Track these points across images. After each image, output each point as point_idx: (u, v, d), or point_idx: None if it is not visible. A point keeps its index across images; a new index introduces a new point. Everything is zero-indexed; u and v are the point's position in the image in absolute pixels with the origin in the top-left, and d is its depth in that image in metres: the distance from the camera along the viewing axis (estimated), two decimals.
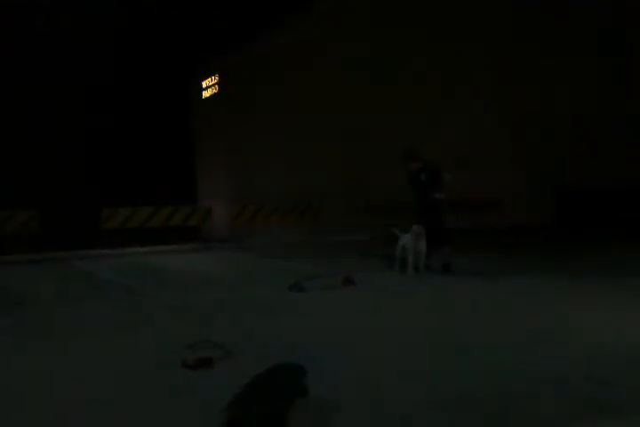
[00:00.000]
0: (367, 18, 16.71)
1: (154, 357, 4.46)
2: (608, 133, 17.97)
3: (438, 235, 8.25)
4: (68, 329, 5.52)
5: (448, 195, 8.26)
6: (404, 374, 3.87)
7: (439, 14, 16.88)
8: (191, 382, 3.83)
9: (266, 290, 7.20)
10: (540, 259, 10.02)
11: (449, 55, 17.23)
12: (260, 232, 14.93)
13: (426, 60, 16.86)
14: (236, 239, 14.32)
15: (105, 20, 17.65)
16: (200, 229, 15.91)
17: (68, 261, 11.43)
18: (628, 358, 4.11)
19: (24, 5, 16.59)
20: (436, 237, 8.22)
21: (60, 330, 5.49)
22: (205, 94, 21.30)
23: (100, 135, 17.49)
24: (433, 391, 3.50)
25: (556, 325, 5.11)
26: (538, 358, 4.16)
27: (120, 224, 13.50)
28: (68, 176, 16.57)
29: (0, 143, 16.09)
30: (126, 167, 17.61)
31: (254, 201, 15.22)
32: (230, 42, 18.04)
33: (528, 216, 17.16)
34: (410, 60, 16.78)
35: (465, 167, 16.28)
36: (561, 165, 18.12)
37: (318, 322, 5.55)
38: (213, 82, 20.77)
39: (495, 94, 17.66)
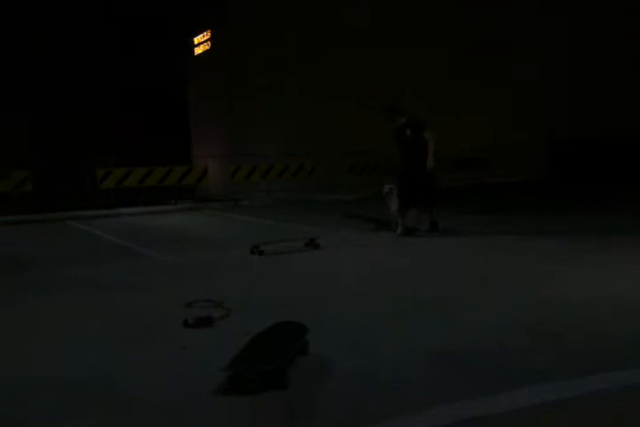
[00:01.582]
0: None
1: (154, 315, 4.54)
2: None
3: (427, 195, 8.11)
4: (68, 289, 5.58)
5: (434, 150, 8.00)
6: (386, 329, 3.97)
7: None
8: (192, 340, 3.92)
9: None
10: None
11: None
12: (254, 192, 14.93)
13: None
14: (230, 199, 14.34)
15: None
16: (195, 188, 15.90)
17: (64, 221, 11.47)
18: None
19: None
20: (425, 198, 8.11)
21: (60, 289, 5.55)
22: (197, 51, 20.93)
23: (93, 94, 17.24)
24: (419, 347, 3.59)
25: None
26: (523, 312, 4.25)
27: (115, 184, 13.47)
28: (63, 136, 16.42)
29: None
30: (120, 127, 17.43)
31: (249, 161, 15.16)
32: None
33: (520, 172, 17.25)
34: None
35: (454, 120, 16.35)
36: (556, 117, 18.20)
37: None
38: (205, 38, 20.38)
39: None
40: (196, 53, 20.79)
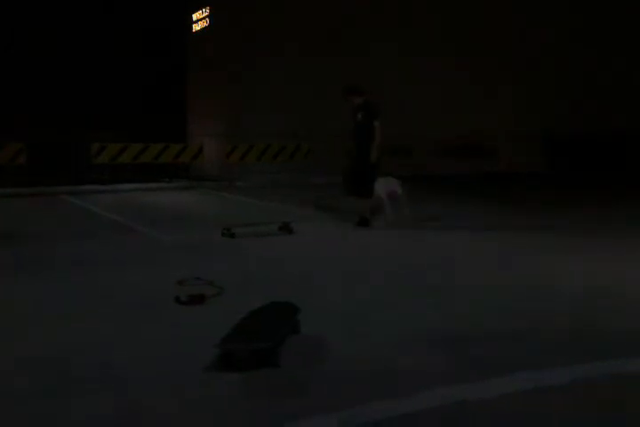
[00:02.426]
0: None
1: (145, 293, 4.56)
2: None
3: (360, 185, 7.63)
4: (63, 264, 5.60)
5: (379, 142, 7.53)
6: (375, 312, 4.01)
7: None
8: (184, 317, 3.95)
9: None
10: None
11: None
12: (249, 172, 14.88)
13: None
14: (225, 178, 14.29)
15: None
16: (190, 166, 15.83)
17: (59, 195, 11.42)
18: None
19: None
20: (358, 187, 7.67)
21: (53, 265, 5.57)
22: (195, 27, 20.69)
23: (88, 68, 17.05)
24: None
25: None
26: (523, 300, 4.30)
27: (110, 159, 13.41)
28: (57, 110, 16.26)
29: None
30: (115, 102, 17.28)
31: (245, 140, 15.08)
32: None
33: (518, 162, 17.30)
34: None
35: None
36: (552, 109, 18.24)
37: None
38: (204, 15, 20.13)
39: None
40: (194, 30, 20.56)
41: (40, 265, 5.57)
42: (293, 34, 16.60)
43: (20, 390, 2.83)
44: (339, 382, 2.89)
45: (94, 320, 3.91)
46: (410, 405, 2.65)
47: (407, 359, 3.19)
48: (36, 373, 3.06)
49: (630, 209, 9.07)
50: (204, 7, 19.81)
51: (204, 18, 19.98)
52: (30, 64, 16.26)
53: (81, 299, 4.42)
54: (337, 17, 16.68)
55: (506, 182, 14.16)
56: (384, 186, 7.89)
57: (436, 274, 5.14)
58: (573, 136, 17.56)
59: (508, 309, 4.11)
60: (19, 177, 12.83)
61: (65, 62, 16.75)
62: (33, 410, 2.64)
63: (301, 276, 5.09)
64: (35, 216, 8.99)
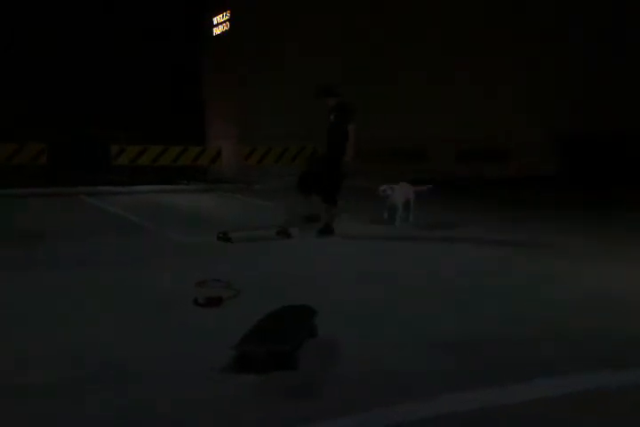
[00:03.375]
0: None
1: (163, 294, 4.57)
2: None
3: (328, 191, 7.19)
4: (79, 263, 5.63)
5: (352, 148, 7.17)
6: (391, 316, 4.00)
7: None
8: (201, 319, 3.96)
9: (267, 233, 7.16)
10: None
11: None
12: (267, 174, 14.93)
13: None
14: (242, 181, 14.35)
15: None
16: (208, 169, 15.92)
17: (78, 196, 11.54)
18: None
19: None
20: (325, 194, 7.22)
21: (72, 265, 5.61)
22: (216, 31, 20.83)
23: (109, 71, 17.22)
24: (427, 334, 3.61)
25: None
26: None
27: (129, 161, 13.53)
28: (77, 111, 16.44)
29: (9, 78, 15.90)
30: (134, 105, 17.43)
31: (263, 143, 15.14)
32: None
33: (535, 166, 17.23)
34: None
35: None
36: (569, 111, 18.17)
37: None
38: (225, 18, 20.26)
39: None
40: (214, 34, 20.70)
41: (55, 264, 5.62)
42: (310, 38, 16.64)
43: (35, 387, 2.85)
44: (354, 387, 2.88)
45: (109, 320, 3.93)
46: (427, 409, 2.62)
47: (422, 363, 3.17)
48: (50, 370, 3.08)
49: None
50: (225, 11, 19.94)
51: (224, 21, 20.09)
52: (53, 65, 16.46)
53: (97, 298, 4.44)
54: (353, 25, 16.69)
55: (520, 186, 14.05)
56: (401, 193, 7.99)
57: (449, 278, 5.11)
58: (589, 138, 17.40)
59: (522, 314, 4.07)
60: (39, 177, 12.99)
61: (85, 64, 16.93)
62: (48, 409, 2.65)
63: (317, 278, 5.08)
64: (52, 216, 9.08)
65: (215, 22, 20.62)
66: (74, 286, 4.78)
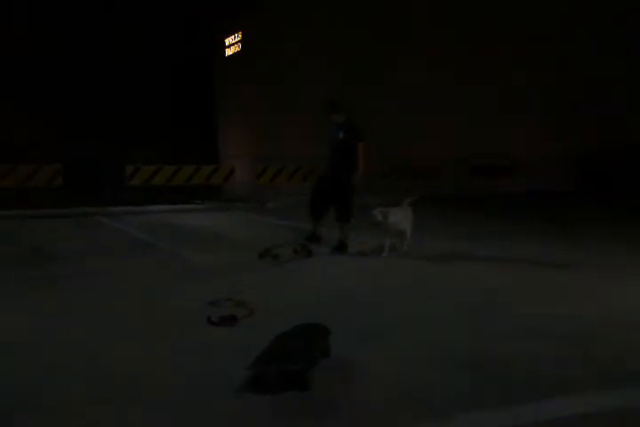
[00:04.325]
0: None
1: (177, 313, 4.59)
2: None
3: (338, 208, 7.25)
4: (93, 283, 5.68)
5: (363, 165, 7.13)
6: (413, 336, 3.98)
7: None
8: (215, 338, 3.96)
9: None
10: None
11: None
12: (280, 193, 14.99)
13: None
14: (256, 200, 14.40)
15: None
16: (222, 188, 16.02)
17: (94, 216, 11.64)
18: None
19: None
20: (336, 211, 7.29)
21: (85, 283, 5.65)
22: (228, 52, 21.12)
23: (122, 91, 17.47)
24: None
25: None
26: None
27: (144, 181, 13.66)
28: (92, 132, 16.67)
29: (23, 97, 16.19)
30: (148, 125, 17.65)
31: (276, 162, 15.23)
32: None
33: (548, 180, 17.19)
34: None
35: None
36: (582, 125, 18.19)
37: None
38: (236, 40, 20.54)
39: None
40: (227, 54, 20.99)
41: (70, 282, 5.67)
42: (323, 58, 16.80)
43: (48, 402, 2.87)
44: (368, 407, 2.86)
45: (123, 338, 3.95)
46: None
47: (439, 382, 3.14)
48: (64, 385, 3.09)
49: None
50: (237, 32, 20.24)
51: (235, 43, 20.38)
52: (67, 87, 16.73)
53: (110, 317, 4.47)
54: (366, 42, 16.86)
55: (532, 201, 13.99)
56: (408, 218, 7.05)
57: (465, 296, 5.08)
58: (603, 152, 17.36)
59: (537, 331, 4.03)
60: (55, 198, 13.13)
61: (101, 86, 17.19)
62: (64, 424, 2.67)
63: (331, 297, 5.08)
64: (67, 236, 9.17)
65: (227, 43, 20.92)
66: (88, 305, 4.81)
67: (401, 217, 6.83)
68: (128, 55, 17.64)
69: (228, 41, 21.03)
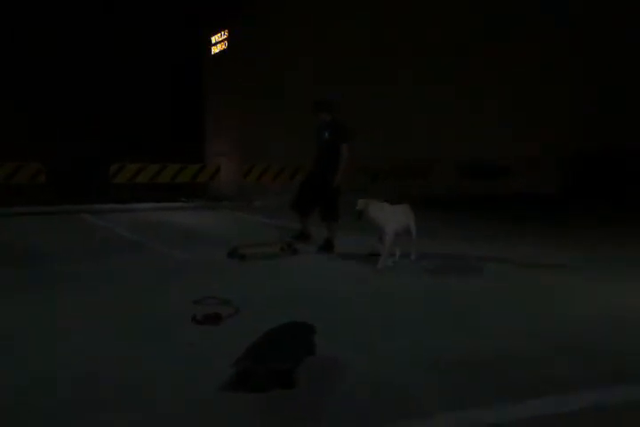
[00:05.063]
0: None
1: (162, 312, 4.56)
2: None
3: (323, 207, 7.27)
4: (77, 281, 5.62)
5: (345, 166, 7.12)
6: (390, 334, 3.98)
7: None
8: (200, 336, 3.94)
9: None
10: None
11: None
12: (266, 192, 14.95)
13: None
14: (242, 198, 14.35)
15: None
16: (207, 186, 15.95)
17: (78, 214, 11.54)
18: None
19: None
20: (321, 210, 7.32)
21: (71, 283, 5.59)
22: (214, 50, 21.02)
23: (107, 88, 17.33)
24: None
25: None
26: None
27: (128, 179, 13.57)
28: (77, 130, 16.52)
29: (8, 95, 16.01)
30: (134, 123, 17.52)
31: (262, 160, 15.19)
32: None
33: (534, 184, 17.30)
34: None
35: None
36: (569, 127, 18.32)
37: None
38: (223, 37, 20.45)
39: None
40: (213, 52, 20.89)
41: (55, 282, 5.60)
42: (308, 58, 16.78)
43: (33, 406, 2.83)
44: (353, 405, 2.85)
45: (108, 337, 3.91)
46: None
47: (422, 382, 3.14)
48: (50, 389, 3.05)
49: None
50: (223, 30, 20.14)
51: (222, 40, 20.29)
52: (52, 83, 16.55)
53: (95, 315, 4.43)
54: (355, 45, 16.86)
55: (520, 203, 14.08)
56: (398, 220, 6.35)
57: (457, 298, 5.09)
58: (589, 154, 17.51)
59: (530, 332, 4.04)
60: (38, 196, 13.00)
61: (85, 82, 17.03)
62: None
63: (317, 296, 5.07)
64: (52, 234, 9.07)
65: (214, 41, 20.82)
66: (72, 304, 4.76)
67: (388, 214, 6.26)
68: (114, 53, 17.50)
69: (214, 39, 20.94)
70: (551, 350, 3.64)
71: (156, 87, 18.54)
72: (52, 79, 16.54)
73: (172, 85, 19.19)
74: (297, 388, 3.00)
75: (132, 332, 4.06)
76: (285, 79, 16.65)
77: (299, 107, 16.71)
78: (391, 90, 16.68)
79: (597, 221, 10.89)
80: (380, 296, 5.11)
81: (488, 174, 17.58)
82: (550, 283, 5.58)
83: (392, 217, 6.24)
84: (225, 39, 20.26)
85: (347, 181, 7.29)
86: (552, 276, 5.89)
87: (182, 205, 13.74)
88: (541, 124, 18.37)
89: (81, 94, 16.86)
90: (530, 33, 18.43)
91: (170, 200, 13.90)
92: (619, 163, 17.09)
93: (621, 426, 2.69)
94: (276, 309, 4.56)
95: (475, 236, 8.76)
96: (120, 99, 17.37)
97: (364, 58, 16.69)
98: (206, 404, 2.86)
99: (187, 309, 4.45)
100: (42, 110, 16.37)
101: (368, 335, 3.97)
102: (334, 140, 7.19)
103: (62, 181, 14.10)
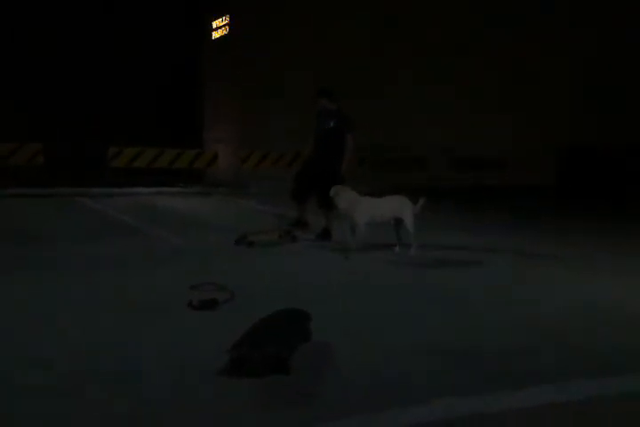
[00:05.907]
0: None
1: (158, 296, 4.55)
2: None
3: (320, 196, 7.11)
4: (75, 264, 5.62)
5: (349, 157, 7.14)
6: (389, 322, 4.00)
7: None
8: (196, 322, 3.95)
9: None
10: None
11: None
12: (264, 178, 14.93)
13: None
14: (239, 185, 14.35)
15: None
16: (205, 172, 15.93)
17: (74, 197, 11.52)
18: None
19: None
20: (318, 198, 7.23)
21: (67, 265, 5.59)
22: (215, 35, 20.87)
23: (107, 73, 17.21)
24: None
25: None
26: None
27: (126, 163, 13.54)
28: (76, 113, 16.43)
29: (9, 78, 15.89)
30: (132, 107, 17.42)
31: (261, 147, 15.16)
32: None
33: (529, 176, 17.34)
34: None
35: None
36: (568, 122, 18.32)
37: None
38: (224, 23, 20.29)
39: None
40: (213, 37, 20.74)
41: (52, 265, 5.59)
42: (308, 43, 16.69)
43: (32, 388, 2.84)
44: (348, 391, 2.87)
45: (106, 321, 3.91)
46: (422, 415, 2.63)
47: (419, 370, 3.16)
48: (48, 372, 3.06)
49: None
50: (224, 15, 19.98)
51: (223, 26, 20.13)
52: (51, 65, 16.43)
53: (91, 300, 4.42)
54: (354, 36, 16.78)
55: (517, 195, 14.09)
56: (374, 211, 6.25)
57: (450, 288, 5.11)
58: (587, 149, 17.56)
59: (521, 323, 4.07)
60: (36, 178, 12.97)
61: (84, 65, 16.92)
62: (45, 409, 2.64)
63: (313, 283, 5.08)
64: (49, 217, 9.06)
65: (214, 26, 20.66)
66: (70, 288, 4.76)
67: (361, 204, 6.19)
68: (112, 39, 17.37)
69: (215, 24, 20.78)
70: (537, 342, 3.67)
71: (155, 73, 18.42)
72: (51, 68, 16.40)
73: (172, 72, 19.06)
74: (292, 374, 3.02)
75: (127, 317, 4.06)
76: (285, 65, 16.56)
77: (298, 93, 16.70)
78: (391, 90, 16.60)
79: (596, 216, 10.92)
80: (377, 286, 5.12)
81: (485, 167, 17.63)
82: (539, 275, 5.60)
83: (364, 208, 6.17)
84: (226, 24, 20.10)
85: (349, 170, 7.28)
86: (545, 268, 5.91)
87: (180, 191, 13.74)
88: (541, 124, 18.35)
89: (80, 80, 16.75)
90: (530, 33, 18.34)
91: (167, 185, 13.89)
92: (618, 162, 17.17)
93: (609, 417, 2.72)
94: (272, 295, 4.57)
95: (472, 227, 8.78)
96: (119, 83, 17.26)
97: (363, 58, 16.57)
98: (202, 389, 2.87)
99: (182, 293, 4.46)
100: (40, 93, 16.23)
101: (365, 323, 3.98)
102: (340, 129, 7.15)
103: (60, 163, 14.06)
